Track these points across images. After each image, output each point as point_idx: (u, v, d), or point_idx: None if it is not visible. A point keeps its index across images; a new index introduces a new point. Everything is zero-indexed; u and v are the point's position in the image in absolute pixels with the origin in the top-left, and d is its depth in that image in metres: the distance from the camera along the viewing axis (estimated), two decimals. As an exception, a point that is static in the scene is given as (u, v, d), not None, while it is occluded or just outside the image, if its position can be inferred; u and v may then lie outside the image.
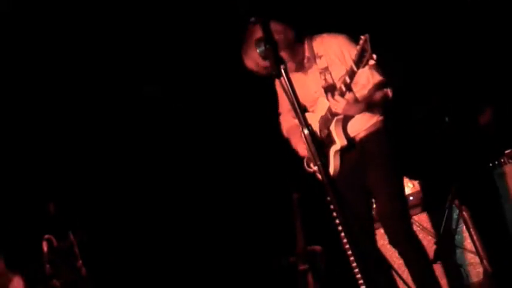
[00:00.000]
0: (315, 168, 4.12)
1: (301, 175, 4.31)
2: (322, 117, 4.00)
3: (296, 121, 4.16)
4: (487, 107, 5.00)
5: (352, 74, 3.65)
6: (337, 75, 3.89)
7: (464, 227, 4.69)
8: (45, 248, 4.58)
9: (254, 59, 3.90)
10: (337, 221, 3.75)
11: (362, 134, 4.00)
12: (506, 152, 4.70)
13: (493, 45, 5.12)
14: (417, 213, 4.80)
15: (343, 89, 3.73)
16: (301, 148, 4.15)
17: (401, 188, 4.12)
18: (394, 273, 4.46)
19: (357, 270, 3.92)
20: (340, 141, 3.95)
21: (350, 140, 3.97)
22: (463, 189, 4.70)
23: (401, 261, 4.62)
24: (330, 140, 3.99)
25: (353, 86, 3.81)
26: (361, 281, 3.92)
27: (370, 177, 4.00)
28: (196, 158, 5.80)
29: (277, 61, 2.96)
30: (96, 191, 5.56)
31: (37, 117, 5.43)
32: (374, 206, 4.28)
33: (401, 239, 3.99)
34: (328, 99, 3.85)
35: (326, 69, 3.96)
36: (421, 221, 4.77)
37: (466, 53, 5.18)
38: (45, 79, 5.38)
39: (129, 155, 5.72)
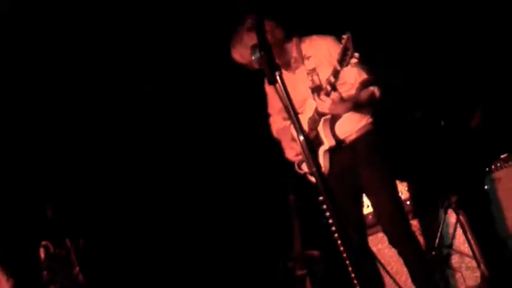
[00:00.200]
0: (306, 170, 4.14)
1: (298, 177, 4.32)
2: (310, 118, 4.01)
3: (286, 123, 4.23)
4: (477, 109, 5.01)
5: (336, 73, 3.68)
6: (325, 76, 3.90)
7: (461, 231, 4.69)
8: (42, 254, 4.58)
9: (241, 53, 3.92)
10: (330, 222, 3.78)
11: (353, 136, 4.02)
12: (502, 156, 4.72)
13: (490, 48, 5.14)
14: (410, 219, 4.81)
15: (328, 88, 3.76)
16: (289, 151, 4.18)
17: (396, 188, 4.14)
18: (390, 277, 4.48)
19: (350, 269, 3.93)
20: (328, 142, 3.97)
21: (339, 140, 3.99)
22: (459, 193, 4.71)
23: (398, 265, 4.66)
24: (318, 141, 4.01)
25: (341, 85, 3.88)
26: (355, 281, 3.93)
27: (365, 179, 4.02)
28: (193, 161, 5.80)
29: (273, 68, 2.96)
30: (93, 197, 5.55)
31: (35, 121, 5.43)
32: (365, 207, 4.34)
33: (400, 238, 4.02)
34: (314, 100, 3.87)
35: (314, 70, 3.98)
36: (415, 226, 4.77)
37: (462, 55, 5.19)
38: (44, 80, 5.38)
39: (127, 161, 5.72)
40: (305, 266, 4.93)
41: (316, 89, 3.92)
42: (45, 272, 4.60)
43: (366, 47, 3.60)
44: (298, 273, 4.93)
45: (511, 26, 5.01)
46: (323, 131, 3.95)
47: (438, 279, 4.41)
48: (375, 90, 3.93)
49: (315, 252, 5.01)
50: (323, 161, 4.01)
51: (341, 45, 3.56)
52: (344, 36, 3.55)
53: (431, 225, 4.76)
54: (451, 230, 4.72)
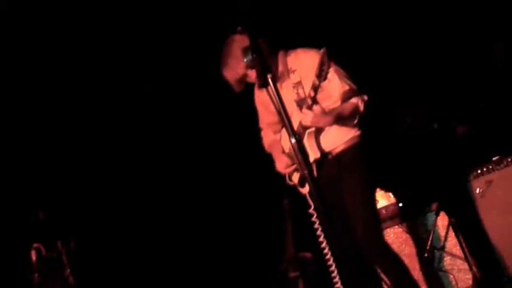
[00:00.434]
0: (296, 181, 4.16)
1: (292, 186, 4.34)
2: (296, 130, 4.02)
3: (276, 136, 4.25)
4: (465, 116, 5.04)
5: (315, 88, 3.73)
6: (309, 91, 3.91)
7: (453, 233, 4.70)
8: (33, 257, 4.57)
9: (233, 70, 3.95)
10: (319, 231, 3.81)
11: (339, 149, 4.03)
12: (493, 159, 4.73)
13: (480, 52, 5.16)
14: (400, 222, 4.82)
15: (309, 102, 3.80)
16: (280, 165, 4.20)
17: (373, 202, 4.15)
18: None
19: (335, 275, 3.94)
20: (313, 154, 3.97)
21: (324, 153, 4.01)
22: (451, 196, 4.72)
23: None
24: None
25: (327, 99, 3.94)
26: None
27: (343, 190, 4.03)
28: (186, 165, 5.79)
29: (264, 70, 2.97)
30: (84, 199, 5.54)
31: (29, 122, 5.42)
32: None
33: (376, 255, 4.02)
34: (298, 113, 3.91)
35: (299, 83, 4.00)
36: (406, 229, 4.79)
37: (453, 59, 5.21)
38: (43, 80, 5.37)
39: (120, 163, 5.70)
40: (298, 268, 4.93)
41: (301, 102, 3.94)
42: (36, 275, 4.59)
43: (354, 50, 3.63)
44: (291, 276, 4.92)
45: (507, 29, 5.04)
46: (308, 143, 3.96)
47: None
48: (358, 102, 3.94)
49: (308, 255, 5.01)
50: None
51: (318, 60, 3.62)
52: (320, 51, 3.62)
53: (422, 228, 4.77)
54: (442, 233, 4.73)
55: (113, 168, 5.67)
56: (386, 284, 4.44)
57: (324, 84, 3.74)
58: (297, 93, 4.00)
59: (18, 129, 5.38)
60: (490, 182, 4.68)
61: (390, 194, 4.89)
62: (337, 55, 3.96)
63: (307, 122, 3.85)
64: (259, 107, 4.32)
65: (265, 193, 5.44)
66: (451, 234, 4.70)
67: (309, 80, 3.88)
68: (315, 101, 3.79)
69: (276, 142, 4.26)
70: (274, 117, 4.06)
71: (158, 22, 5.38)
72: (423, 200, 4.89)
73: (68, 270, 4.66)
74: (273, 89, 2.94)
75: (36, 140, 5.45)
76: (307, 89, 3.90)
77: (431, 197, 4.81)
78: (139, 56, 5.48)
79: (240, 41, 3.87)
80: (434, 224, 4.68)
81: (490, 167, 4.70)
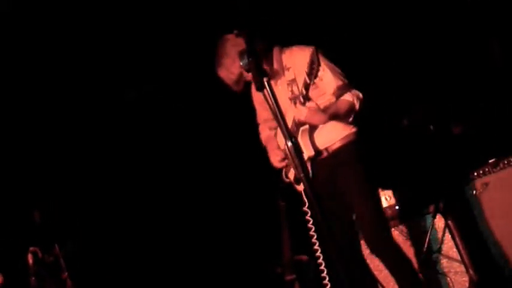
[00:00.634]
0: (292, 178, 4.16)
1: (283, 186, 4.34)
2: (290, 128, 4.03)
3: (271, 132, 4.27)
4: (461, 116, 5.04)
5: (306, 86, 3.76)
6: (301, 89, 3.93)
7: (449, 235, 4.70)
8: (30, 260, 4.56)
9: (228, 69, 3.98)
10: (313, 231, 3.82)
11: (335, 146, 4.04)
12: (490, 161, 4.73)
13: (478, 53, 5.17)
14: (397, 225, 4.82)
15: (301, 100, 3.83)
16: (274, 158, 4.21)
17: (377, 198, 4.18)
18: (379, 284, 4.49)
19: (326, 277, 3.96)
20: (307, 152, 3.98)
21: (318, 150, 4.01)
22: (447, 198, 4.72)
23: (387, 271, 4.66)
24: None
25: (321, 96, 3.95)
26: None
27: (344, 188, 4.04)
28: (183, 167, 5.79)
29: (260, 73, 2.97)
30: (81, 202, 5.53)
31: (25, 124, 5.41)
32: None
33: (382, 248, 4.03)
34: (293, 110, 3.92)
35: (293, 80, 4.02)
36: (403, 231, 4.78)
37: (450, 59, 5.22)
38: (42, 80, 5.37)
39: (116, 165, 5.70)
40: (294, 271, 4.93)
41: (295, 99, 3.95)
42: (33, 278, 4.58)
43: (352, 50, 3.63)
44: (287, 279, 4.92)
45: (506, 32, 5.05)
46: (302, 141, 3.97)
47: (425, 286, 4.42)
48: (354, 101, 3.94)
49: (304, 257, 5.01)
50: None
51: (308, 59, 3.65)
52: (310, 49, 3.64)
53: (419, 230, 4.77)
54: (439, 235, 4.73)
55: (110, 169, 5.67)
56: (381, 284, 4.46)
57: (317, 81, 3.76)
58: (291, 91, 4.01)
59: (15, 130, 5.38)
60: (486, 184, 4.69)
61: (387, 196, 4.89)
62: (336, 55, 3.98)
63: (301, 117, 3.86)
64: (256, 104, 4.34)
65: (261, 195, 5.44)
66: (448, 236, 4.70)
67: (303, 77, 3.89)
68: (307, 98, 3.82)
69: (272, 138, 4.28)
70: (270, 114, 4.07)
71: (158, 22, 5.38)
72: (420, 202, 4.89)
73: (66, 274, 4.66)
74: (269, 92, 2.95)
75: (33, 142, 5.44)
76: (301, 86, 3.91)
77: (428, 199, 4.81)
78: (140, 55, 5.48)
79: (233, 40, 3.90)
80: (431, 227, 4.68)
81: (487, 169, 4.71)
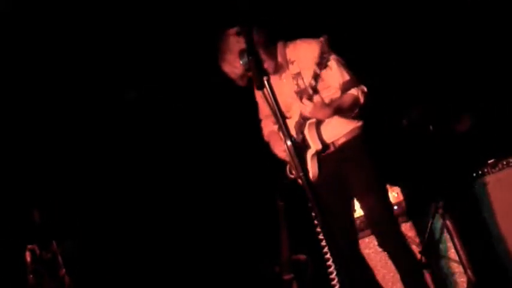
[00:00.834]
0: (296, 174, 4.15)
1: (286, 183, 4.33)
2: (296, 122, 4.04)
3: (275, 127, 4.26)
4: (465, 115, 5.04)
5: (316, 76, 3.75)
6: (309, 80, 3.91)
7: (448, 236, 4.71)
8: (28, 258, 4.56)
9: (232, 64, 3.96)
10: (318, 229, 3.81)
11: (341, 140, 4.03)
12: (489, 161, 4.73)
13: (480, 52, 5.17)
14: (401, 223, 4.81)
15: (310, 92, 3.81)
16: (279, 149, 4.19)
17: (386, 191, 4.18)
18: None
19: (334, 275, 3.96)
20: (314, 146, 3.98)
21: (325, 144, 4.01)
22: (447, 198, 4.72)
23: (385, 271, 4.67)
24: (305, 145, 4.02)
25: (326, 90, 3.93)
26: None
27: (354, 182, 4.04)
28: (181, 166, 5.79)
29: (261, 72, 2.97)
30: (79, 200, 5.53)
31: (24, 123, 5.41)
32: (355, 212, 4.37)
33: (390, 240, 4.05)
34: (299, 104, 3.90)
35: (298, 74, 4.00)
36: (405, 231, 4.78)
37: (452, 59, 5.22)
38: (42, 81, 5.36)
39: (114, 163, 5.70)
40: (292, 270, 4.93)
41: (301, 93, 3.94)
42: (31, 275, 4.58)
43: (352, 50, 3.63)
44: (285, 278, 4.92)
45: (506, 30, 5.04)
46: (309, 135, 3.97)
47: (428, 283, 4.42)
48: (358, 94, 3.94)
49: (302, 257, 5.01)
50: (311, 165, 4.02)
51: (318, 49, 3.63)
52: (321, 39, 3.62)
53: (418, 230, 4.77)
54: (437, 236, 4.73)
55: (108, 168, 5.66)
56: (379, 284, 4.46)
57: (324, 73, 3.75)
58: (297, 84, 4.00)
59: (14, 129, 5.37)
60: (485, 184, 4.70)
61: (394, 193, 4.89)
62: (336, 55, 3.97)
63: (306, 112, 3.85)
64: (259, 99, 4.32)
65: (260, 195, 5.44)
66: (446, 236, 4.70)
67: (308, 70, 3.88)
68: (315, 90, 3.80)
69: (275, 132, 4.26)
70: None
71: (158, 22, 5.38)
72: (419, 202, 4.90)
73: (63, 271, 4.65)
74: (269, 91, 2.95)
75: (32, 140, 5.43)
76: (307, 79, 3.90)
77: (427, 200, 4.82)
78: (139, 55, 5.48)
79: (236, 36, 3.88)
80: (430, 227, 4.69)
81: (486, 170, 4.71)
